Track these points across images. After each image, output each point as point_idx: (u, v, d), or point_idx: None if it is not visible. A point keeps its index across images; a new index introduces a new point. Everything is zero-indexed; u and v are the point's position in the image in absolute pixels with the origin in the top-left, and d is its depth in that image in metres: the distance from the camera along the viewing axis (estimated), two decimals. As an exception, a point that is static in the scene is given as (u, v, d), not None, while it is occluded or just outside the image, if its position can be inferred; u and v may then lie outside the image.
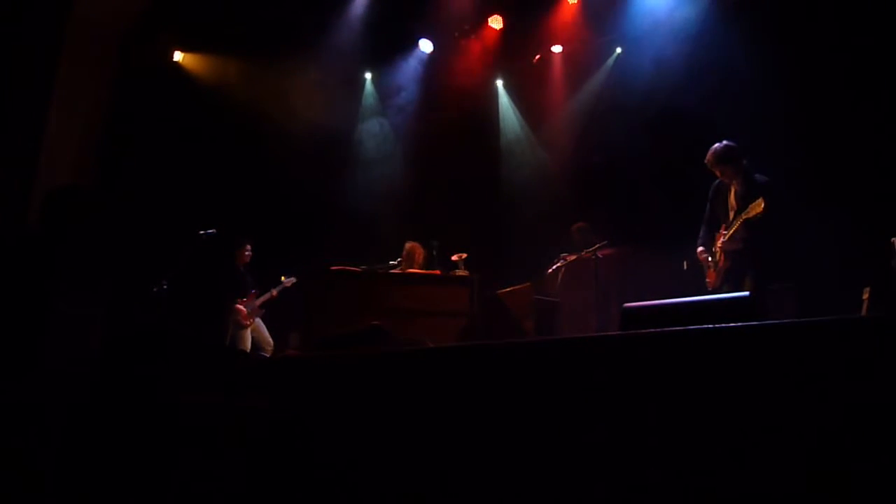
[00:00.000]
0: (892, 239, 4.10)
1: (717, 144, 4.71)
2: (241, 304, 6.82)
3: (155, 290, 5.80)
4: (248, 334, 6.85)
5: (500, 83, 8.80)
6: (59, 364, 2.51)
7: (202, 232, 6.13)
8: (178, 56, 8.05)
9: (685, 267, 5.23)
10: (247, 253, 7.07)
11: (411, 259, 6.23)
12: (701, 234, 4.94)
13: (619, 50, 7.96)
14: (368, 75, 8.81)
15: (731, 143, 4.69)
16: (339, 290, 5.60)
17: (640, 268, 6.17)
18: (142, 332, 2.84)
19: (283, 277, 7.01)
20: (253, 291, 6.97)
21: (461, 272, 6.10)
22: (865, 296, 4.22)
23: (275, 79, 7.80)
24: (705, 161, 4.73)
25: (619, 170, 7.13)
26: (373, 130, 8.58)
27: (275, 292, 7.00)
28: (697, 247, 4.91)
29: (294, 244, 7.41)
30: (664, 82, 6.89)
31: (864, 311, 4.15)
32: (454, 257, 6.20)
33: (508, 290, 6.13)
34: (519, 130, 8.65)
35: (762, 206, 4.22)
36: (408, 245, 6.34)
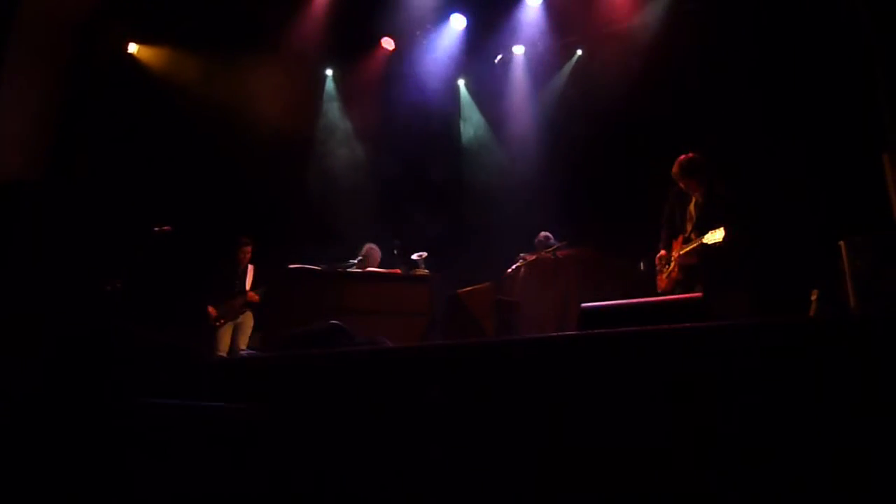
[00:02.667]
0: (840, 242, 4.22)
1: (682, 156, 4.73)
2: (228, 305, 6.68)
3: (108, 288, 5.65)
4: (225, 335, 6.66)
5: (462, 82, 8.82)
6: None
7: (157, 229, 6.00)
8: (133, 48, 7.87)
9: (641, 268, 5.31)
10: (246, 255, 6.89)
11: (369, 262, 6.19)
12: (662, 237, 4.99)
13: (579, 52, 8.06)
14: (329, 72, 8.74)
15: (695, 156, 4.70)
16: (298, 289, 5.55)
17: (599, 268, 6.25)
18: (89, 332, 2.77)
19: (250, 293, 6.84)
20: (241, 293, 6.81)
21: (421, 271, 6.09)
22: (814, 297, 4.34)
23: (234, 74, 7.67)
24: (672, 173, 4.76)
25: (580, 171, 7.21)
26: (333, 128, 8.51)
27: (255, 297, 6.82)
28: (659, 250, 4.96)
29: (252, 242, 7.29)
30: (624, 85, 6.99)
31: (812, 312, 4.26)
32: (414, 256, 6.19)
33: (469, 289, 6.14)
34: (481, 130, 8.69)
35: (721, 238, 4.21)
36: (366, 247, 6.30)
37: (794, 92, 5.64)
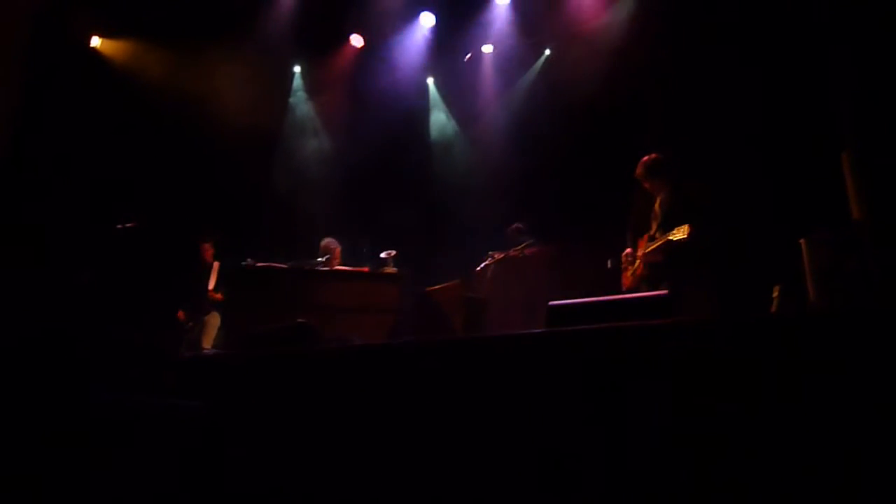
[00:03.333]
0: (801, 239, 4.29)
1: (646, 157, 4.79)
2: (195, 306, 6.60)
3: (69, 285, 5.51)
4: (191, 335, 6.60)
5: (431, 80, 8.80)
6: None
7: (121, 225, 5.87)
8: (95, 41, 7.68)
9: (609, 266, 5.35)
10: (207, 252, 6.81)
11: (328, 255, 6.12)
12: (628, 236, 5.05)
13: (547, 51, 8.10)
14: (297, 68, 8.64)
15: (659, 157, 4.77)
16: (265, 287, 5.47)
17: (567, 266, 6.28)
18: (50, 330, 2.69)
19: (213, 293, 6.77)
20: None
21: (390, 269, 6.06)
22: (776, 293, 4.42)
23: (200, 68, 7.54)
24: (635, 175, 4.82)
25: (548, 170, 7.24)
26: (301, 125, 8.43)
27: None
28: (625, 248, 5.01)
29: (213, 239, 7.17)
30: (592, 84, 7.03)
31: (774, 308, 4.34)
32: (383, 254, 6.16)
33: (438, 287, 6.13)
34: (450, 128, 8.69)
35: (686, 233, 4.26)
36: (324, 242, 6.22)
37: (757, 92, 5.74)
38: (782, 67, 5.44)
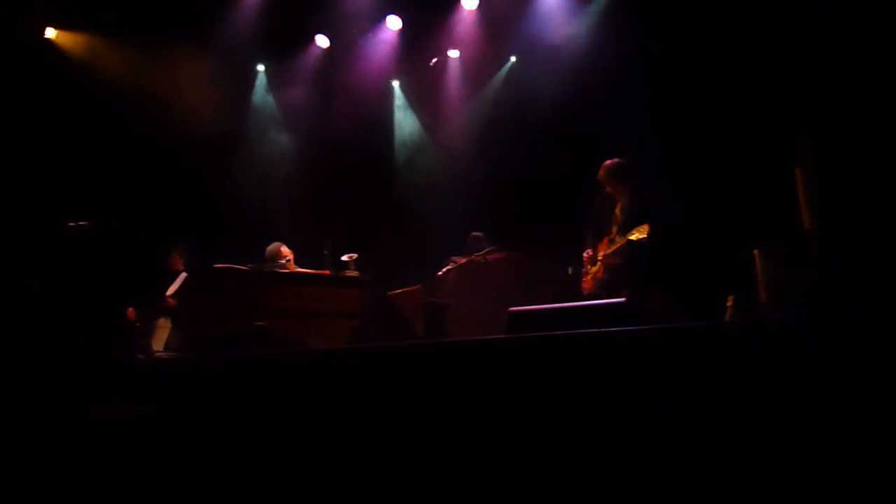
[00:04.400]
0: (755, 250, 4.41)
1: (608, 161, 4.90)
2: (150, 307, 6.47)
3: (18, 287, 5.35)
4: (143, 338, 6.47)
5: (396, 84, 8.79)
6: None
7: (73, 224, 5.72)
8: (50, 33, 7.48)
9: (570, 273, 5.42)
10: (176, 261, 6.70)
11: (275, 260, 6.05)
12: (587, 240, 5.13)
13: (513, 59, 8.17)
14: (261, 68, 8.55)
15: (622, 161, 4.89)
16: (223, 290, 5.37)
17: (529, 272, 6.34)
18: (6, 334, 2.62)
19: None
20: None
21: (352, 273, 6.03)
22: (729, 303, 4.53)
23: (161, 66, 7.40)
24: (597, 177, 4.92)
25: (512, 176, 7.30)
26: (264, 126, 8.33)
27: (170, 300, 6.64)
28: (585, 250, 5.09)
29: (178, 241, 7.05)
30: (555, 93, 7.12)
31: (727, 317, 4.44)
32: (345, 257, 6.12)
33: (399, 291, 6.12)
34: (414, 132, 8.69)
35: (646, 232, 4.38)
36: (270, 246, 6.14)
37: (716, 107, 5.88)
38: (741, 84, 5.59)
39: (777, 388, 1.93)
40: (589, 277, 5.03)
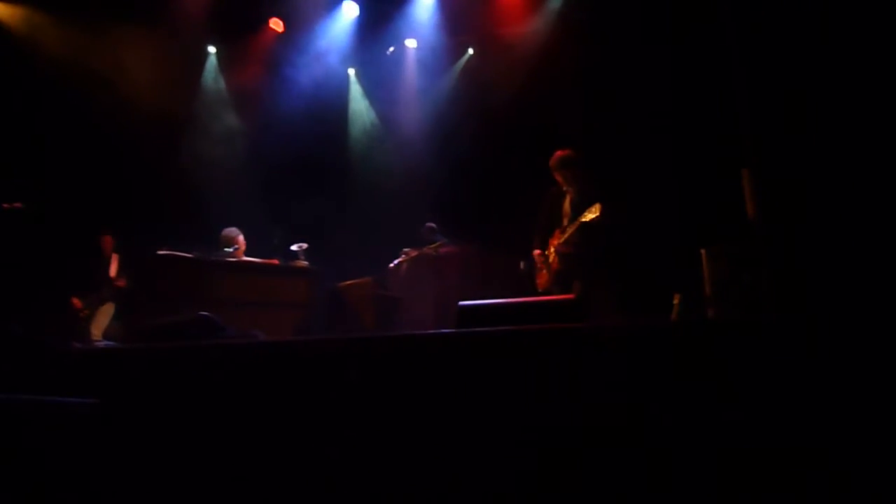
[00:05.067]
0: (702, 249, 4.53)
1: (558, 152, 5.02)
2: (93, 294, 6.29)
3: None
4: (93, 323, 6.31)
5: (352, 71, 8.71)
6: None
7: (5, 205, 5.49)
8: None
9: (521, 268, 5.48)
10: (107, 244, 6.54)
11: (235, 246, 5.96)
12: (535, 240, 5.21)
13: (470, 51, 8.19)
14: (213, 49, 8.35)
15: (572, 152, 5.01)
16: (167, 277, 5.26)
17: (482, 266, 6.38)
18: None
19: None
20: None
21: (301, 263, 5.97)
22: (676, 301, 4.64)
23: (106, 44, 7.16)
24: (549, 164, 5.03)
25: (466, 169, 7.32)
26: (213, 109, 8.14)
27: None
28: (534, 249, 5.17)
29: (120, 225, 6.85)
30: (512, 87, 7.17)
31: (674, 315, 4.55)
32: (294, 247, 6.05)
33: (349, 283, 6.10)
34: (369, 121, 8.63)
35: (598, 211, 4.54)
36: (225, 231, 6.04)
37: (669, 105, 6.01)
38: (694, 82, 5.72)
39: (715, 384, 2.00)
40: (544, 271, 5.11)
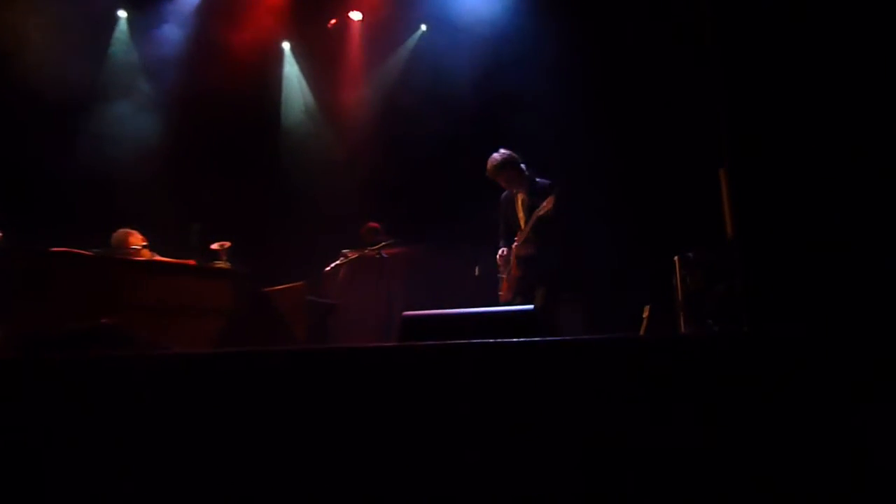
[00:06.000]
0: (675, 257, 4.64)
1: (494, 154, 5.11)
2: None
3: None
4: None
5: (287, 46, 8.62)
6: None
7: None
8: None
9: (477, 273, 5.52)
10: None
11: (122, 249, 5.82)
12: (499, 245, 5.28)
13: (423, 27, 8.19)
14: (123, 14, 8.14)
15: (507, 151, 5.11)
16: (62, 278, 5.10)
17: (432, 271, 6.40)
18: None
19: None
20: None
21: (222, 264, 5.88)
22: (646, 314, 4.75)
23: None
24: (486, 173, 5.12)
25: (415, 161, 7.33)
26: (122, 86, 7.93)
27: None
28: (499, 250, 5.24)
29: (9, 218, 6.61)
30: (470, 70, 7.20)
31: (643, 329, 4.66)
32: (215, 245, 5.95)
33: (278, 288, 6.03)
34: (306, 104, 8.56)
35: (552, 202, 4.67)
36: (117, 233, 5.91)
37: (640, 100, 6.15)
38: (666, 78, 5.87)
39: (688, 406, 2.05)
40: (505, 280, 5.18)
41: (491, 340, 2.24)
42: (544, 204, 4.80)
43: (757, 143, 2.51)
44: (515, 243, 5.13)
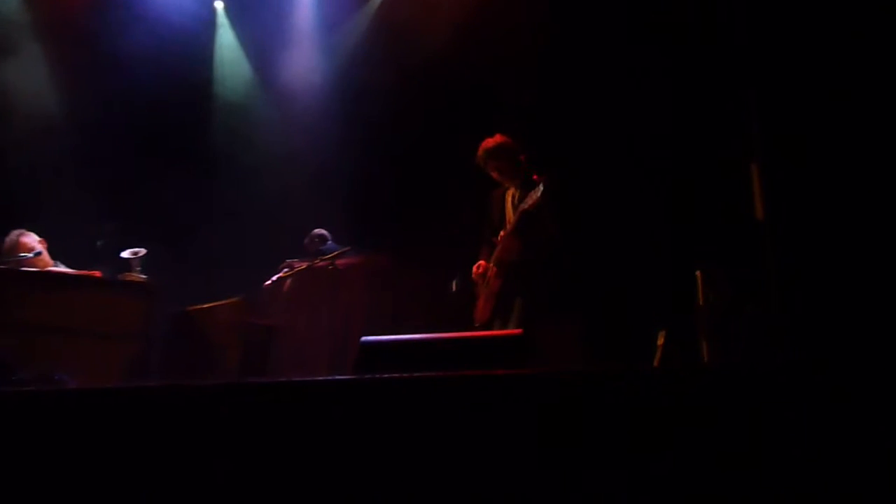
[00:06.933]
0: (697, 271, 4.66)
1: (489, 139, 5.11)
2: None
3: None
4: None
5: (219, 5, 8.58)
6: None
7: None
8: None
9: (454, 289, 5.51)
10: None
11: (13, 255, 5.77)
12: (482, 249, 5.27)
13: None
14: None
15: (505, 138, 5.11)
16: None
17: (397, 285, 6.38)
18: None
19: None
20: None
21: (135, 276, 5.85)
22: (661, 341, 4.76)
23: None
24: (476, 159, 5.11)
25: (378, 153, 7.33)
26: (15, 64, 7.82)
27: None
28: (478, 260, 5.23)
29: None
30: (449, 39, 7.20)
31: (657, 360, 4.67)
32: (126, 253, 5.92)
33: (207, 306, 6.02)
34: (244, 79, 8.52)
35: (540, 191, 4.64)
36: (10, 236, 5.85)
37: (658, 77, 6.19)
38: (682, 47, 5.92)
39: (712, 456, 2.04)
40: (482, 299, 5.16)
41: (469, 373, 2.23)
42: (531, 194, 4.76)
43: (797, 131, 2.53)
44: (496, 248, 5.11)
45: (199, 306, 6.04)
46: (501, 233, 5.09)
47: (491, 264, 5.10)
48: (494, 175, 5.18)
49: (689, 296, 4.65)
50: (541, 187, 4.69)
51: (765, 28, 2.50)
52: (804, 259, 2.32)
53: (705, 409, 2.08)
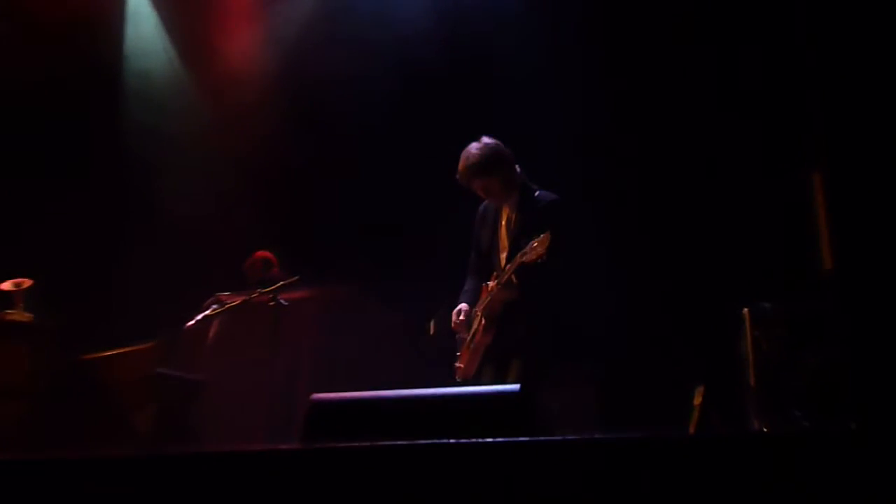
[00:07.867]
0: (745, 309, 4.68)
1: (472, 145, 5.05)
2: None
3: None
4: None
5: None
6: None
7: None
8: None
9: (431, 332, 5.51)
10: None
11: None
12: (465, 286, 5.25)
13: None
14: None
15: (493, 142, 5.06)
16: None
17: (358, 327, 6.37)
18: None
19: None
20: None
21: (17, 314, 5.83)
22: (698, 399, 4.76)
23: None
24: (457, 174, 5.05)
25: (334, 155, 7.35)
26: None
27: None
28: (458, 303, 5.21)
29: None
30: (423, 11, 7.25)
31: (693, 425, 4.67)
32: (7, 285, 5.91)
33: (112, 353, 5.99)
34: (161, 56, 8.54)
35: (546, 244, 4.57)
36: None
37: (691, 79, 6.28)
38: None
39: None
40: (465, 348, 5.14)
41: (451, 441, 2.23)
42: (534, 244, 4.63)
43: (870, 137, 2.55)
44: (486, 291, 5.06)
45: (101, 353, 6.03)
46: (493, 280, 5.05)
47: (478, 313, 5.06)
48: (481, 192, 5.10)
49: (733, 342, 4.66)
50: (546, 237, 4.60)
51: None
52: (883, 295, 2.30)
53: (752, 488, 2.08)
